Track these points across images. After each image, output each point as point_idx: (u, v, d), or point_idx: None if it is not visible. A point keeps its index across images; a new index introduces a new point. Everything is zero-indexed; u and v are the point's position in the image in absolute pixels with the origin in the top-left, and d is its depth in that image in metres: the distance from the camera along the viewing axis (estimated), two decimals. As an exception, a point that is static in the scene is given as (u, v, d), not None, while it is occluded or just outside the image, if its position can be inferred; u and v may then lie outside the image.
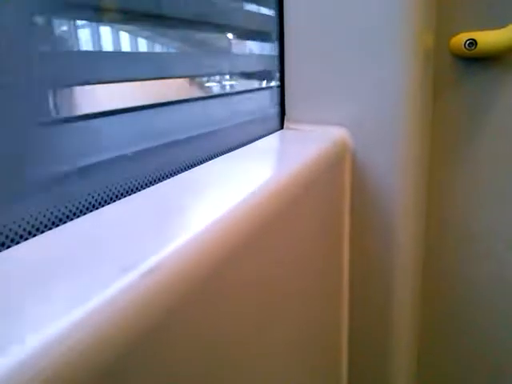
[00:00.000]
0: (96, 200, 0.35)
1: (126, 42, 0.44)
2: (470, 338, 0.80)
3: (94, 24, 0.39)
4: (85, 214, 0.32)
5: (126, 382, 0.20)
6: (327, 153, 0.53)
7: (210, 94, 0.57)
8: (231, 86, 0.65)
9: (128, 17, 0.43)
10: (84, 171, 0.34)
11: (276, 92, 0.71)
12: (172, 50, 0.53)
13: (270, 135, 0.60)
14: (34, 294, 0.20)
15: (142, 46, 0.48)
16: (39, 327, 0.17)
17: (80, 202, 0.34)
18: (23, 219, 0.29)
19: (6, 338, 0.17)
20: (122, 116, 0.41)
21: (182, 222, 0.29)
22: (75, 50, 0.36)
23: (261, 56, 0.73)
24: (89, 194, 0.34)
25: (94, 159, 0.36)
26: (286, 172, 0.41)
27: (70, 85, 0.35)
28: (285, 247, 0.40)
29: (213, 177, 0.40)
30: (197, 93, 0.55)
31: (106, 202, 0.36)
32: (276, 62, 0.70)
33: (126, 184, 0.38)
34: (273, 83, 0.74)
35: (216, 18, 0.55)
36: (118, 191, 0.37)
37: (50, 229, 0.29)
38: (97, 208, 0.34)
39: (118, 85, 0.42)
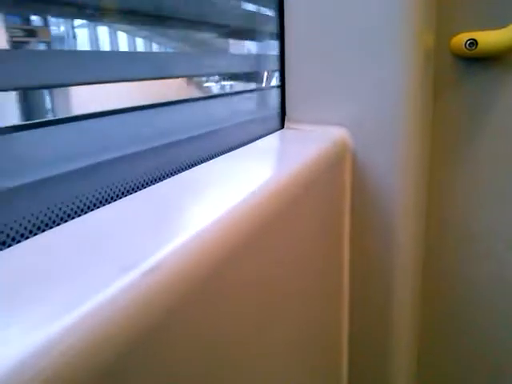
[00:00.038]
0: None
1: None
2: (470, 338, 0.80)
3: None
4: (85, 213, 0.32)
5: (126, 382, 0.20)
6: (327, 153, 0.53)
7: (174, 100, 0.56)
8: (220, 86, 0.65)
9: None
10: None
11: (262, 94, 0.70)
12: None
13: (271, 135, 0.60)
14: (34, 294, 0.20)
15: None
16: (39, 326, 0.17)
17: (81, 201, 0.34)
18: (24, 218, 0.29)
19: (6, 337, 0.17)
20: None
21: (182, 221, 0.29)
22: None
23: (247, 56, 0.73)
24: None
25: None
26: (286, 172, 0.41)
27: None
28: (285, 247, 0.40)
29: (213, 176, 0.40)
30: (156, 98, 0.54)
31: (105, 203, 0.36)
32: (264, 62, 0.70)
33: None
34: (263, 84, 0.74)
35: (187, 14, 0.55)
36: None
37: (51, 228, 0.29)
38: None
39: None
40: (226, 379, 0.30)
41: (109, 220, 0.29)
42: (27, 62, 0.35)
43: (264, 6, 0.74)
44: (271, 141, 0.58)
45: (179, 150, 0.47)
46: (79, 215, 0.34)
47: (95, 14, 0.43)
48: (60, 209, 0.33)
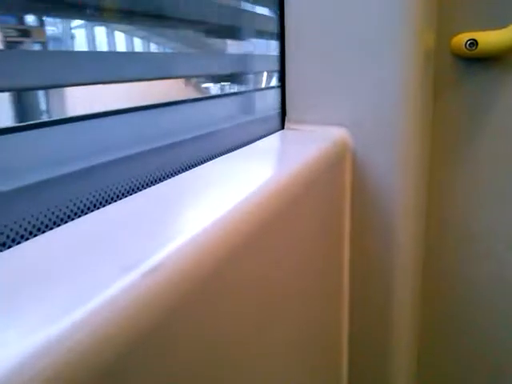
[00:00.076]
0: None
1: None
2: (470, 338, 0.80)
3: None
4: (86, 213, 0.32)
5: (126, 382, 0.20)
6: (327, 153, 0.53)
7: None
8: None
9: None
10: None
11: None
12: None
13: (271, 135, 0.60)
14: (34, 294, 0.20)
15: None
16: (40, 327, 0.17)
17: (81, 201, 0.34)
18: (24, 219, 0.29)
19: (7, 337, 0.17)
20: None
21: (182, 221, 0.29)
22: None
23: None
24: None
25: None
26: (286, 172, 0.41)
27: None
28: (285, 247, 0.40)
29: (213, 177, 0.40)
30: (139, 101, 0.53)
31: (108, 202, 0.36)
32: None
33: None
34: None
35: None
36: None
37: (51, 229, 0.29)
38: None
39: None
40: (226, 379, 0.30)
41: (109, 220, 0.29)
42: (18, 62, 0.35)
43: (251, 3, 0.72)
44: (271, 141, 0.58)
45: (173, 153, 0.47)
46: (79, 216, 0.34)
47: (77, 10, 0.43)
48: (60, 210, 0.33)
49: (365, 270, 0.64)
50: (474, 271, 0.77)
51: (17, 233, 0.30)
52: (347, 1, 0.57)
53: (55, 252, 0.24)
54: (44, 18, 0.42)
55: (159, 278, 0.22)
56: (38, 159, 0.35)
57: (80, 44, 0.49)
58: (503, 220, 0.74)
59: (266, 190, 0.36)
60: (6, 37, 0.37)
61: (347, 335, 0.68)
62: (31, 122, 0.39)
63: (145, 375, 0.21)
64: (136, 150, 0.43)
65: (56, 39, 0.46)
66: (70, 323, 0.18)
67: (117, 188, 0.39)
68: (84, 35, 0.49)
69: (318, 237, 0.51)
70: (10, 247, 0.26)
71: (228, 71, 0.69)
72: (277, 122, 0.65)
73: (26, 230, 0.30)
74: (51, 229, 0.29)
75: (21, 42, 0.40)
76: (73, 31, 0.48)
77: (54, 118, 0.45)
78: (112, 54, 0.51)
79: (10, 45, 0.39)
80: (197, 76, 0.65)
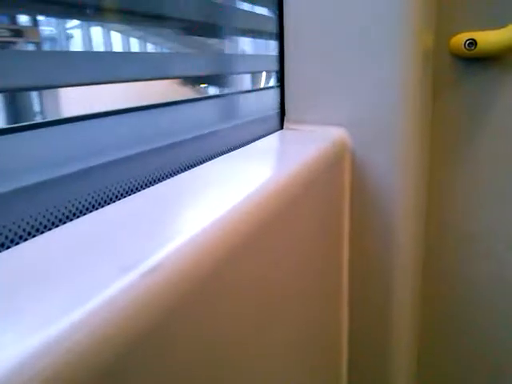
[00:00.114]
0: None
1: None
2: (470, 338, 0.80)
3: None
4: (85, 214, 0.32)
5: (125, 382, 0.20)
6: (326, 153, 0.53)
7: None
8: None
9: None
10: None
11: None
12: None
13: (270, 135, 0.60)
14: (33, 294, 0.20)
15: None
16: (39, 327, 0.17)
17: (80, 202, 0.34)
18: (23, 220, 0.29)
19: (6, 337, 0.17)
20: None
21: (181, 222, 0.29)
22: None
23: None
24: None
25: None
26: (285, 172, 0.41)
27: None
28: (284, 247, 0.40)
29: (212, 177, 0.40)
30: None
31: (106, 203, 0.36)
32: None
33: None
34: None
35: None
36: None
37: (50, 229, 0.29)
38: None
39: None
40: (225, 379, 0.30)
41: (108, 221, 0.29)
42: (10, 62, 0.35)
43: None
44: (270, 141, 0.58)
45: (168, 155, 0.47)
46: (78, 217, 0.34)
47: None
48: (59, 210, 0.33)
49: (364, 270, 0.64)
50: (473, 271, 0.77)
51: (15, 233, 0.30)
52: (346, 1, 0.57)
53: (54, 253, 0.24)
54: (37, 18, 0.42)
55: (158, 279, 0.22)
56: (34, 160, 0.35)
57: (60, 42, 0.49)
58: (503, 220, 0.74)
59: (264, 190, 0.36)
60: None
61: (347, 335, 0.68)
62: (25, 124, 0.39)
63: (144, 375, 0.21)
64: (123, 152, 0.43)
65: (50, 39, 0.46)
66: (68, 324, 0.18)
67: (115, 188, 0.39)
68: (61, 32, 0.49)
69: (317, 237, 0.51)
70: (8, 248, 0.26)
71: (209, 72, 0.68)
72: (267, 125, 0.64)
73: (24, 230, 0.30)
74: (50, 229, 0.29)
75: (13, 43, 0.40)
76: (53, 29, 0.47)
77: (47, 119, 0.45)
78: (95, 54, 0.51)
79: (1, 45, 0.38)
80: (177, 77, 0.64)
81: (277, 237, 0.37)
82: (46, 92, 0.46)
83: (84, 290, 0.20)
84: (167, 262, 0.23)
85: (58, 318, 0.18)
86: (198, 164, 0.46)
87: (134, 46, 0.62)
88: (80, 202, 0.35)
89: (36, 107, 0.45)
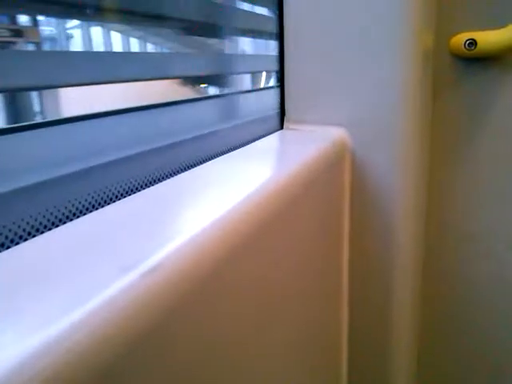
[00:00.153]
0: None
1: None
2: (470, 338, 0.80)
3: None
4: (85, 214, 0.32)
5: (125, 382, 0.20)
6: (326, 153, 0.53)
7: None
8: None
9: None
10: None
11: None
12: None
13: (270, 135, 0.60)
14: (33, 294, 0.20)
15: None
16: (39, 327, 0.17)
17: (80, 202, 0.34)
18: (23, 220, 0.29)
19: (6, 337, 0.17)
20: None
21: (181, 222, 0.29)
22: None
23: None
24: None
25: None
26: (285, 172, 0.41)
27: None
28: (284, 247, 0.40)
29: (212, 177, 0.40)
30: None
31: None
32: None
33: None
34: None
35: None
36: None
37: (50, 229, 0.29)
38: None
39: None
40: (225, 379, 0.30)
41: (108, 221, 0.29)
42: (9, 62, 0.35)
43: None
44: (270, 141, 0.58)
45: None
46: (78, 217, 0.34)
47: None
48: (59, 210, 0.33)
49: (364, 270, 0.64)
50: (473, 271, 0.77)
51: (15, 233, 0.30)
52: (346, 1, 0.57)
53: (54, 252, 0.24)
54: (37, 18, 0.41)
55: (158, 279, 0.22)
56: (31, 160, 0.35)
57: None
58: (503, 220, 0.74)
59: (264, 190, 0.36)
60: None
61: (347, 335, 0.68)
62: (24, 124, 0.39)
63: (144, 375, 0.21)
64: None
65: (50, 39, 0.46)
66: (68, 324, 0.18)
67: (115, 188, 0.39)
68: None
69: (317, 237, 0.51)
70: (8, 248, 0.26)
71: (208, 72, 0.67)
72: (267, 125, 0.64)
73: (24, 230, 0.30)
74: (50, 229, 0.29)
75: (13, 43, 0.39)
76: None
77: (46, 119, 0.45)
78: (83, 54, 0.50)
79: (1, 45, 0.38)
80: (176, 77, 0.63)
81: (277, 237, 0.37)
82: (44, 92, 0.46)
83: (84, 290, 0.20)
84: (167, 262, 0.23)
85: (58, 318, 0.18)
86: (197, 164, 0.46)
87: (134, 46, 0.61)
88: (80, 202, 0.35)
89: (35, 107, 0.45)
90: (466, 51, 0.66)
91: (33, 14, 0.41)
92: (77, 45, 0.52)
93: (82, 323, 0.18)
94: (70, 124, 0.44)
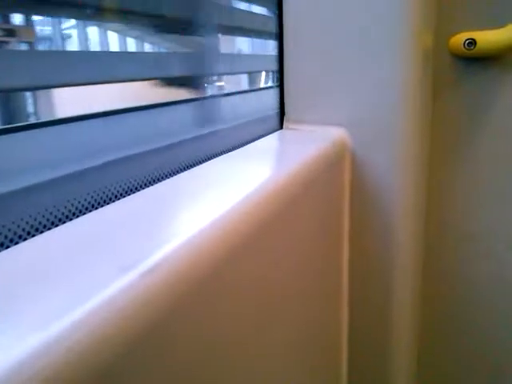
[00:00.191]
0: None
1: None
2: (470, 338, 0.80)
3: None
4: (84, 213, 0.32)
5: (124, 382, 0.20)
6: (326, 153, 0.53)
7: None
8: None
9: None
10: None
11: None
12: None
13: (270, 135, 0.60)
14: (33, 294, 0.20)
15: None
16: (39, 327, 0.17)
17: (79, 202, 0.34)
18: (22, 219, 0.29)
19: (6, 337, 0.17)
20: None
21: (181, 221, 0.29)
22: None
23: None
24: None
25: None
26: (285, 172, 0.41)
27: None
28: (284, 247, 0.40)
29: (212, 177, 0.40)
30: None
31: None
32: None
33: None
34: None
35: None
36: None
37: (50, 229, 0.29)
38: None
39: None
40: (225, 379, 0.30)
41: (107, 221, 0.29)
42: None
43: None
44: (270, 141, 0.58)
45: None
46: (77, 217, 0.34)
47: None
48: (59, 210, 0.33)
49: (364, 270, 0.64)
50: (473, 271, 0.77)
51: (15, 233, 0.30)
52: (346, 0, 0.57)
53: (53, 252, 0.24)
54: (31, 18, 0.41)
55: (158, 278, 0.22)
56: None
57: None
58: (503, 220, 0.74)
59: (264, 190, 0.36)
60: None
61: (347, 335, 0.68)
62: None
63: (143, 375, 0.21)
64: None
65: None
66: (68, 323, 0.18)
67: (115, 188, 0.39)
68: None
69: (317, 237, 0.51)
70: (8, 247, 0.26)
71: (190, 73, 0.61)
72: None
73: (24, 230, 0.30)
74: (49, 229, 0.29)
75: (6, 42, 0.38)
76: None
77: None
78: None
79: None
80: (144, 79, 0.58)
81: (276, 237, 0.37)
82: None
83: (83, 290, 0.20)
84: (167, 261, 0.23)
85: (58, 318, 0.18)
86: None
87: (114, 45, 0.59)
88: (79, 202, 0.34)
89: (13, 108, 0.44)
90: (466, 51, 0.66)
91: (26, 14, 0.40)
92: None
93: (81, 323, 0.18)
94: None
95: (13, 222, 0.29)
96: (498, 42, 0.64)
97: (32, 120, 0.45)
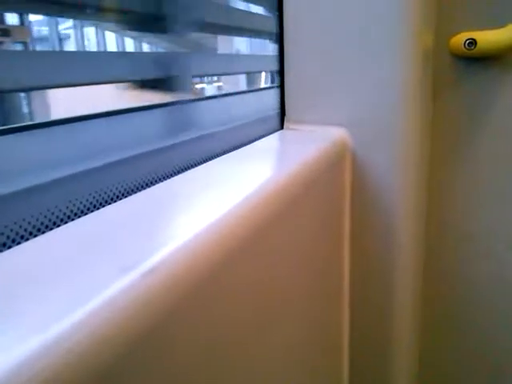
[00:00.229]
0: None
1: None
2: (471, 338, 0.80)
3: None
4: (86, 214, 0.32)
5: (125, 383, 0.20)
6: (327, 153, 0.53)
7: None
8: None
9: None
10: None
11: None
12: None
13: (270, 135, 0.60)
14: (33, 295, 0.20)
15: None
16: (39, 328, 0.17)
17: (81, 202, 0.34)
18: (24, 220, 0.29)
19: (6, 338, 0.17)
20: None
21: (181, 222, 0.29)
22: None
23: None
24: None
25: None
26: (285, 172, 0.41)
27: None
28: (285, 248, 0.40)
29: (212, 177, 0.40)
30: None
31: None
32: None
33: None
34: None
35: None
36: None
37: (51, 229, 0.29)
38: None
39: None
40: (225, 380, 0.30)
41: (107, 221, 0.29)
42: None
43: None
44: (270, 141, 0.58)
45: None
46: (79, 217, 0.34)
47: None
48: (60, 210, 0.33)
49: (365, 271, 0.64)
50: (474, 271, 0.77)
51: (17, 233, 0.30)
52: (346, 1, 0.57)
53: (53, 253, 0.24)
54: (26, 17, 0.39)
55: (158, 279, 0.22)
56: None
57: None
58: (503, 220, 0.74)
59: (265, 191, 0.36)
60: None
61: (348, 336, 0.68)
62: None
63: (143, 376, 0.21)
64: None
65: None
66: (68, 324, 0.18)
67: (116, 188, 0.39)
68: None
69: (317, 237, 0.51)
70: (10, 247, 0.26)
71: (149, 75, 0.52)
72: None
73: (26, 230, 0.30)
74: (51, 229, 0.29)
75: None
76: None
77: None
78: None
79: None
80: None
81: (277, 237, 0.37)
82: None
83: (84, 290, 0.20)
84: (167, 262, 0.23)
85: (58, 319, 0.18)
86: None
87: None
88: (81, 202, 0.34)
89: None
90: (466, 51, 0.66)
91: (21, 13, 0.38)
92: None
93: (81, 324, 0.18)
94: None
95: (15, 223, 0.29)
96: (499, 42, 0.64)
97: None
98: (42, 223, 0.32)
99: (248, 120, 0.62)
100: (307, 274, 0.48)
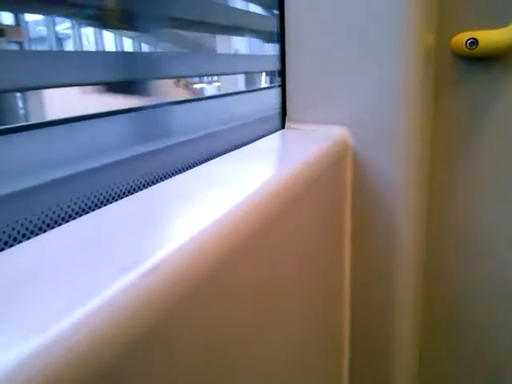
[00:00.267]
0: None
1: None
2: (471, 339, 0.80)
3: None
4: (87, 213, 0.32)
5: (125, 383, 0.20)
6: (328, 152, 0.53)
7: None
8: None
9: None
10: None
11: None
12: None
13: (271, 135, 0.60)
14: (33, 294, 0.20)
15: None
16: (39, 327, 0.17)
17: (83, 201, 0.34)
18: (25, 219, 0.29)
19: (6, 338, 0.17)
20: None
21: (182, 221, 0.29)
22: None
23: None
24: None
25: None
26: (287, 171, 0.41)
27: None
28: (286, 247, 0.40)
29: (213, 177, 0.40)
30: None
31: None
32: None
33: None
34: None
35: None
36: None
37: (53, 228, 0.29)
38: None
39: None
40: (226, 380, 0.30)
41: (107, 221, 0.29)
42: None
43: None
44: (272, 141, 0.58)
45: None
46: (80, 215, 0.34)
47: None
48: (61, 209, 0.33)
49: (366, 270, 0.64)
50: (474, 271, 0.77)
51: (18, 232, 0.30)
52: (347, 1, 0.57)
53: (54, 252, 0.24)
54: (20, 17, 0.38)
55: (158, 279, 0.22)
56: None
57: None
58: (504, 220, 0.73)
59: (266, 190, 0.36)
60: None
61: (348, 336, 0.68)
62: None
63: (144, 376, 0.21)
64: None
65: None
66: (69, 324, 0.18)
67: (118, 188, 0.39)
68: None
69: (319, 237, 0.51)
70: (11, 246, 0.26)
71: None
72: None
73: (27, 229, 0.30)
74: (52, 228, 0.29)
75: None
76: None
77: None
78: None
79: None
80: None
81: (278, 236, 0.37)
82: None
83: (84, 290, 0.20)
84: (167, 261, 0.23)
85: (58, 318, 0.18)
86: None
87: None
88: (83, 201, 0.34)
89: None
90: (468, 50, 0.66)
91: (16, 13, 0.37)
92: None
93: (82, 323, 0.18)
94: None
95: (16, 221, 0.29)
96: (500, 41, 0.63)
97: None
98: (43, 222, 0.32)
99: (248, 120, 0.62)
100: (308, 273, 0.48)
